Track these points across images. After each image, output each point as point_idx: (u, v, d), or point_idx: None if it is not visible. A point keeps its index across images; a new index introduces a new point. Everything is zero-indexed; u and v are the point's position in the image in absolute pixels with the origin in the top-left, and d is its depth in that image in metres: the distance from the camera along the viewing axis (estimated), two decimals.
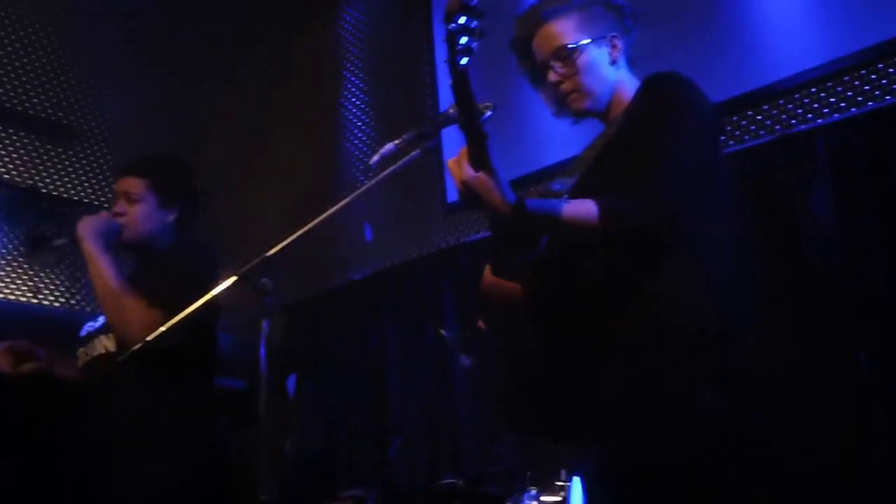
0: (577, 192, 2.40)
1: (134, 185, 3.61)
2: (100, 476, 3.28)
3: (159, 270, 3.45)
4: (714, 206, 2.39)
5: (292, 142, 8.21)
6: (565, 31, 2.66)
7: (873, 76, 4.74)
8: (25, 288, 7.01)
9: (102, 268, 3.35)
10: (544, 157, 6.06)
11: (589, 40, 2.65)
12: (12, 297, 6.95)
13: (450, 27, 1.98)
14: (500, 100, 6.13)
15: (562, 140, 5.93)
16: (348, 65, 7.89)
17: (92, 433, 3.33)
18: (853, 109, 4.76)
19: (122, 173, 3.68)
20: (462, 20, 1.97)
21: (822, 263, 4.59)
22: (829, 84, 4.88)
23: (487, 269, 2.66)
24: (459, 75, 2.04)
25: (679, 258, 2.29)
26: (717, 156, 2.49)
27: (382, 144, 2.79)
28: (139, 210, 3.59)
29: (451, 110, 2.65)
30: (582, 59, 2.63)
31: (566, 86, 2.67)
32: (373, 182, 2.90)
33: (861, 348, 4.18)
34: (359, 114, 7.67)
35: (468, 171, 2.12)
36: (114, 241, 3.50)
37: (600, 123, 2.74)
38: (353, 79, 7.83)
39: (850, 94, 4.81)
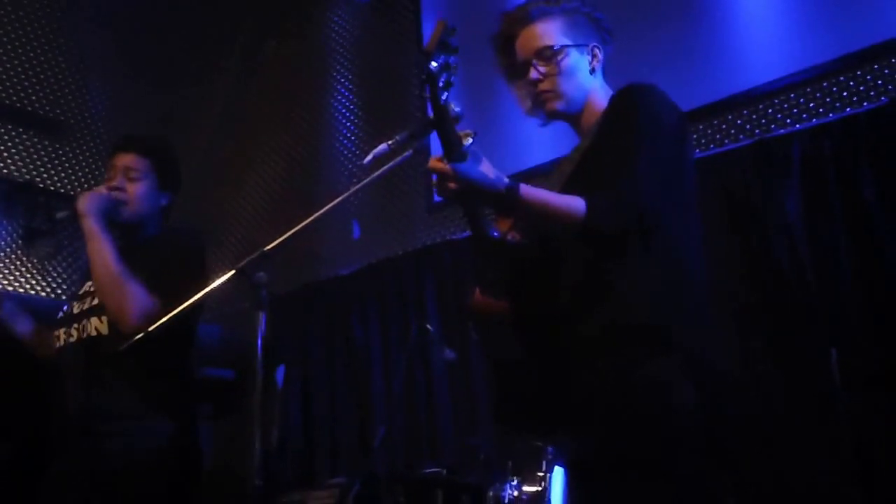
0: None
1: (136, 162, 3.44)
2: (74, 453, 3.22)
3: (158, 258, 3.29)
4: (683, 208, 2.38)
5: (281, 141, 8.11)
6: (550, 32, 2.61)
7: (851, 82, 4.70)
8: (2, 274, 6.93)
9: (104, 248, 3.18)
10: (518, 162, 6.02)
11: (572, 45, 2.60)
12: (10, 289, 6.87)
13: (431, 67, 1.99)
14: (486, 100, 6.19)
15: (537, 145, 5.90)
16: (338, 66, 7.79)
17: (74, 410, 3.24)
18: (831, 115, 4.72)
19: (121, 149, 3.50)
20: (441, 59, 1.98)
21: (793, 264, 4.58)
22: (808, 89, 4.83)
23: (477, 290, 2.60)
24: (441, 110, 2.04)
25: (651, 258, 2.29)
26: (685, 161, 2.46)
27: (372, 145, 2.74)
28: (139, 188, 3.42)
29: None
30: (564, 62, 2.58)
31: (544, 85, 2.60)
32: (367, 180, 2.84)
33: (831, 345, 4.13)
34: (348, 114, 7.58)
35: (458, 165, 2.10)
36: (110, 218, 3.33)
37: (572, 130, 2.69)
38: (342, 80, 7.73)
39: (827, 99, 4.76)
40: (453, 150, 2.08)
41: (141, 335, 2.82)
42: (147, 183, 3.45)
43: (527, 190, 2.16)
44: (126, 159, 3.46)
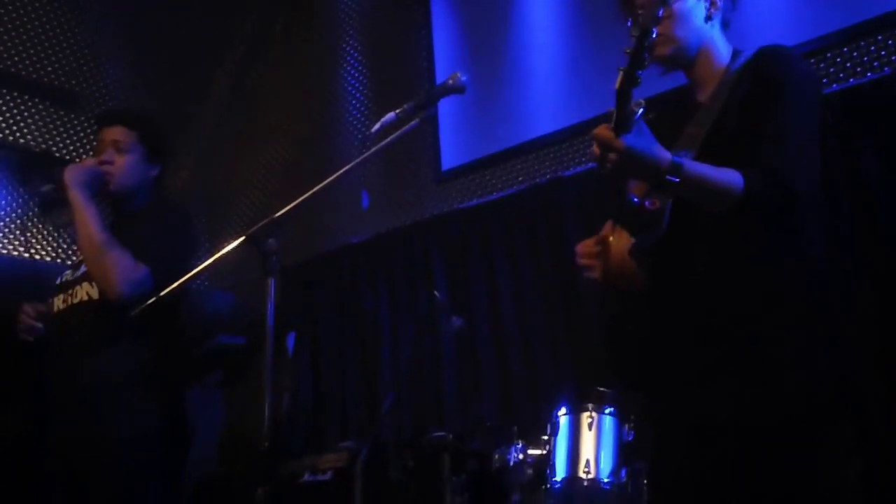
0: None
1: (124, 134, 3.45)
2: (66, 422, 3.23)
3: (146, 226, 3.33)
4: (815, 177, 2.34)
5: (291, 111, 8.04)
6: None
7: (854, 53, 4.63)
8: (19, 241, 6.96)
9: (89, 218, 3.20)
10: (523, 131, 5.99)
11: None
12: (26, 256, 6.91)
13: (644, 43, 1.95)
14: (492, 71, 6.14)
15: (542, 114, 5.86)
16: (347, 37, 7.70)
17: (66, 379, 3.25)
18: (834, 86, 4.64)
19: (109, 122, 3.52)
20: (654, 35, 1.95)
21: None
22: (811, 61, 4.73)
23: (616, 241, 2.51)
24: (631, 84, 1.98)
25: (794, 233, 2.28)
26: (817, 124, 2.41)
27: (379, 114, 2.71)
28: (127, 160, 3.43)
29: (451, 81, 2.68)
30: (678, 6, 2.47)
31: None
32: (375, 148, 2.81)
33: None
34: (357, 84, 7.51)
35: (626, 138, 2.03)
36: (97, 190, 3.35)
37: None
38: (351, 51, 7.65)
39: (831, 70, 4.69)
40: (626, 122, 2.01)
41: (153, 300, 2.78)
42: (135, 155, 3.46)
43: (690, 166, 2.11)
44: (114, 132, 3.47)
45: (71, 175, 3.28)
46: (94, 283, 3.26)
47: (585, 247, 2.54)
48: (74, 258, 3.61)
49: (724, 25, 2.57)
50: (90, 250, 3.19)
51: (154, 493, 3.19)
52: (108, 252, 3.14)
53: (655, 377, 2.44)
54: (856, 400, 2.33)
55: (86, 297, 3.29)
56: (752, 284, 2.25)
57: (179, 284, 2.76)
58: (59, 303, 3.37)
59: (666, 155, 2.08)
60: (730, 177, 2.14)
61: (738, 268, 2.27)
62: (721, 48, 2.53)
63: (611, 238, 2.51)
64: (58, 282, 3.46)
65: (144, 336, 3.24)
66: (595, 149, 2.08)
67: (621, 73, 1.97)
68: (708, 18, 2.51)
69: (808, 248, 2.30)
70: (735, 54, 2.51)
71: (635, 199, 2.29)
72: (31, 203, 6.97)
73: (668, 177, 2.08)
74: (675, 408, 2.40)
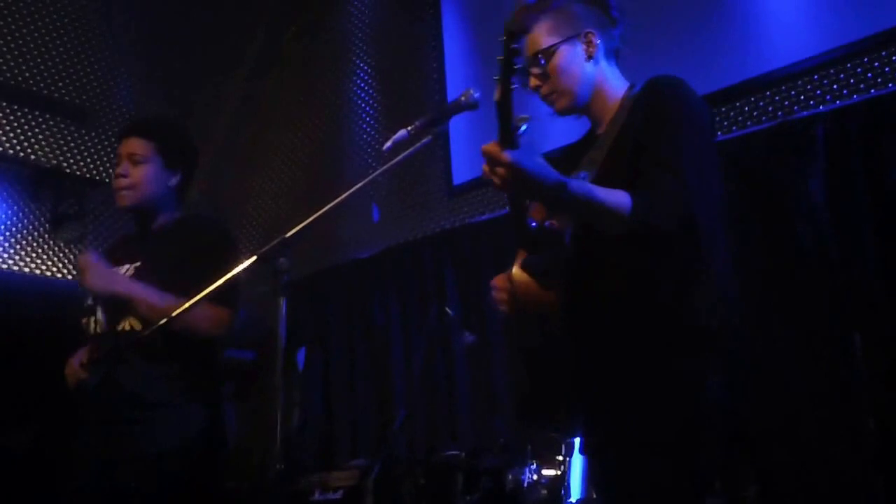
0: None
1: (139, 146, 3.37)
2: (101, 439, 3.15)
3: (207, 261, 3.16)
4: (714, 201, 2.33)
5: (302, 126, 8.04)
6: (540, 36, 2.52)
7: (876, 63, 4.53)
8: (30, 257, 6.93)
9: (144, 299, 3.10)
10: (544, 142, 5.88)
11: (560, 41, 2.49)
12: (38, 272, 6.88)
13: (511, 46, 1.95)
14: (487, 88, 6.08)
15: (548, 132, 5.79)
16: (358, 51, 7.69)
17: (104, 397, 3.16)
18: (855, 97, 4.55)
19: (125, 135, 3.44)
20: (522, 41, 1.96)
21: (817, 247, 4.44)
22: (832, 70, 4.66)
23: (517, 269, 2.49)
24: (508, 94, 1.98)
25: (690, 258, 2.25)
26: (713, 151, 2.41)
27: (390, 128, 2.64)
28: (144, 172, 3.35)
29: (463, 98, 2.67)
30: (555, 61, 2.49)
31: (544, 89, 2.53)
32: (387, 166, 2.79)
33: (855, 330, 4.01)
34: (368, 100, 7.47)
35: (512, 154, 1.99)
36: (109, 259, 3.29)
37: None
38: (362, 65, 7.63)
39: (852, 81, 4.59)
40: (510, 137, 1.99)
41: (164, 321, 2.71)
42: (152, 165, 3.37)
43: (576, 186, 2.06)
44: (130, 145, 3.39)
45: (92, 281, 3.15)
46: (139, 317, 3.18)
47: (499, 280, 2.54)
48: None
49: (613, 56, 2.58)
50: (153, 318, 3.01)
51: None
52: (185, 312, 2.83)
53: (560, 407, 2.45)
54: (740, 432, 2.35)
55: (128, 328, 3.20)
56: (651, 312, 2.23)
57: (184, 309, 2.69)
58: (94, 325, 3.28)
59: (552, 173, 2.03)
60: (618, 198, 2.12)
61: (639, 294, 2.25)
62: (613, 83, 2.55)
63: (514, 271, 2.49)
64: (90, 302, 3.34)
65: (186, 354, 3.19)
66: (484, 165, 2.07)
67: (497, 83, 1.98)
68: (589, 58, 2.51)
69: (713, 273, 2.27)
70: (630, 88, 2.52)
71: (534, 224, 2.33)
72: (42, 219, 6.96)
73: (554, 193, 2.06)
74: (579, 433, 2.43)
